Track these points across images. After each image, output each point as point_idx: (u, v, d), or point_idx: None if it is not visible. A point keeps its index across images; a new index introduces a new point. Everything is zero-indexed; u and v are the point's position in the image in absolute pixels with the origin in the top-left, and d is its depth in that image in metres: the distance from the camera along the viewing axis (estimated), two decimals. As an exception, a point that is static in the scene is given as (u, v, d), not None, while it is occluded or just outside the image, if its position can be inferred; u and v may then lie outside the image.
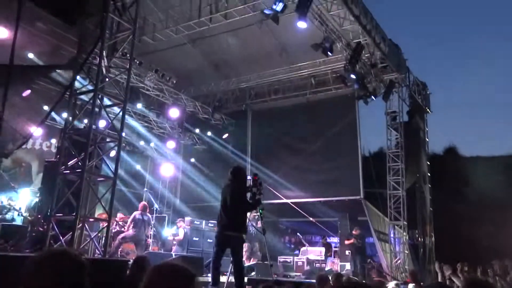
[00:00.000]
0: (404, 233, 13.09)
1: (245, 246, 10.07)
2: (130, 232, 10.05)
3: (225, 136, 15.89)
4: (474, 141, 52.58)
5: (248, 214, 8.46)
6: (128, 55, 8.30)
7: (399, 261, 13.02)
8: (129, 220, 10.24)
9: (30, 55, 9.44)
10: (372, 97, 12.43)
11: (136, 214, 10.23)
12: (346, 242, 12.19)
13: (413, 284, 7.21)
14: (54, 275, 1.77)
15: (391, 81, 12.76)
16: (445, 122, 52.66)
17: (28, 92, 11.17)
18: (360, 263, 11.74)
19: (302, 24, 9.65)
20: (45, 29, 8.90)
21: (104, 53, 7.16)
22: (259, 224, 11.29)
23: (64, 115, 10.21)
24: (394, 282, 6.52)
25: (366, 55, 11.90)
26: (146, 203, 11.01)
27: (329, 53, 10.87)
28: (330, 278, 5.86)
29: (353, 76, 11.59)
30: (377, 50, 11.78)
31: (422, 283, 7.32)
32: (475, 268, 10.83)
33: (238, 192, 6.80)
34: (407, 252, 13.13)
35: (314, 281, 5.97)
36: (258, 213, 8.75)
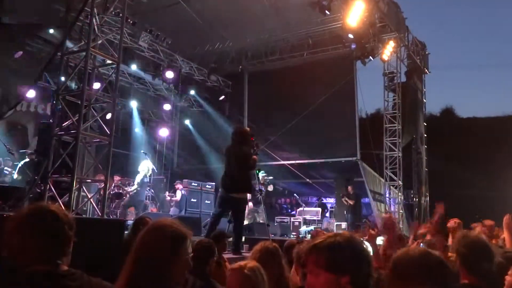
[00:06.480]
0: (400, 194, 13.27)
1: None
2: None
3: (222, 98, 15.75)
4: (471, 102, 52.43)
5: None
6: (120, 14, 8.07)
7: (393, 220, 13.24)
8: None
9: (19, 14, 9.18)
10: (370, 57, 12.24)
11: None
12: (350, 202, 12.23)
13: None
14: (34, 231, 1.71)
15: (390, 40, 12.55)
16: (443, 82, 52.26)
17: (20, 53, 10.96)
18: (354, 222, 11.90)
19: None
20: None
21: (95, 11, 6.94)
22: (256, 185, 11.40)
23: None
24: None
25: (365, 14, 11.62)
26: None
27: (326, 11, 10.62)
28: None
29: (351, 36, 11.38)
30: (376, 9, 11.51)
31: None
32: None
33: (242, 152, 6.75)
34: (401, 212, 13.36)
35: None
36: (255, 174, 8.79)
